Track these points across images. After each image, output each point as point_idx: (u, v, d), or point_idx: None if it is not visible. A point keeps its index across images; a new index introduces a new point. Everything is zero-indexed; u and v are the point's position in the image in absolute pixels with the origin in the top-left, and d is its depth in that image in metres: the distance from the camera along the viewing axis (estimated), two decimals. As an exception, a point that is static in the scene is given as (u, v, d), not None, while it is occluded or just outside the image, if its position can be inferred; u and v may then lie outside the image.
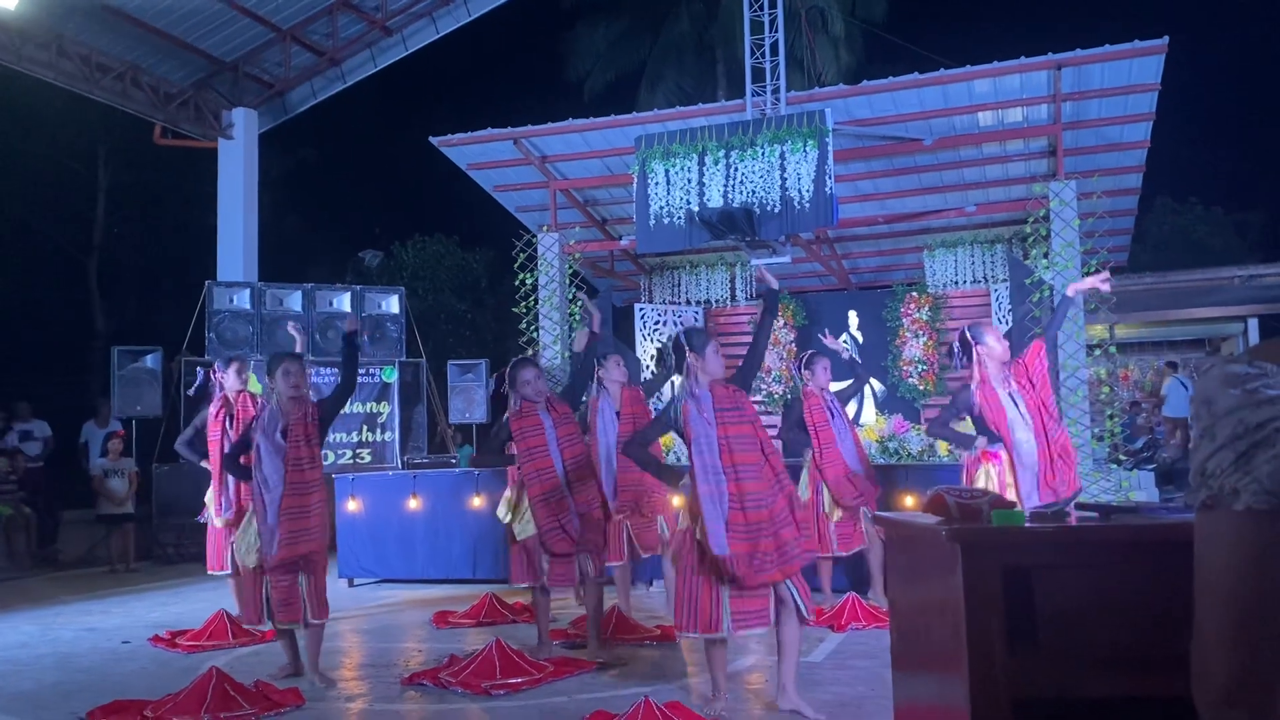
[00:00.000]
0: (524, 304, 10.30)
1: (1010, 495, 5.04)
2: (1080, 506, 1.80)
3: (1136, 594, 1.47)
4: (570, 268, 10.59)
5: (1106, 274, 5.69)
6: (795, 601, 4.23)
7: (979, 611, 1.48)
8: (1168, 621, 1.35)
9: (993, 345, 5.22)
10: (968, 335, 5.29)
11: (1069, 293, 5.58)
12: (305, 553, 5.07)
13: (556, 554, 5.43)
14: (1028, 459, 5.07)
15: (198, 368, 10.39)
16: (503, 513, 5.82)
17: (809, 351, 7.24)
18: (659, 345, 10.10)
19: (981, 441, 5.37)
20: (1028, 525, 1.67)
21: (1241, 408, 1.01)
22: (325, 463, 10.13)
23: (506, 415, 5.66)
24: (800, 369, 6.95)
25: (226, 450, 6.04)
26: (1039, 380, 5.19)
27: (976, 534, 1.58)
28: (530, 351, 10.12)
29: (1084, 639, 1.48)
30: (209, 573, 6.91)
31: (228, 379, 6.75)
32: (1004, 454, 5.21)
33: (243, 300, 10.99)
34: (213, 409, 6.80)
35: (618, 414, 6.34)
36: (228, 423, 6.63)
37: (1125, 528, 1.61)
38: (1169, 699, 1.25)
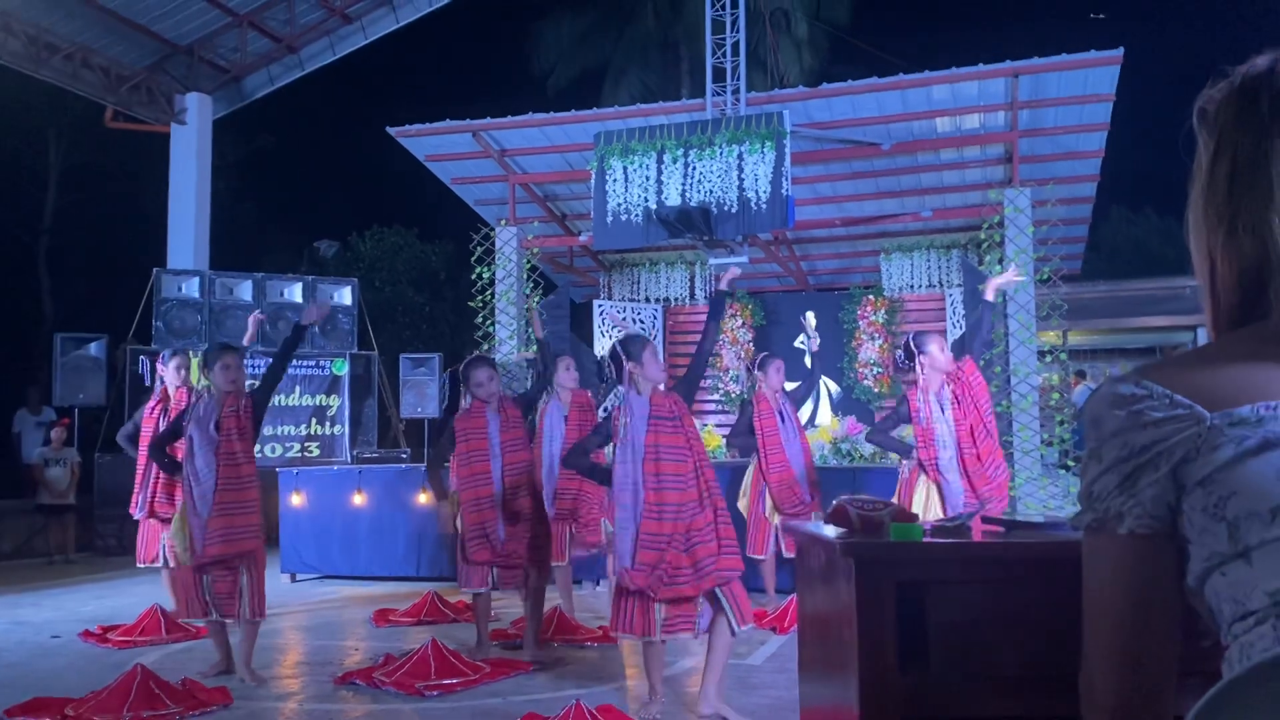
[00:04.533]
0: (481, 298, 10.21)
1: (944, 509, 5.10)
2: (987, 520, 1.77)
3: (1032, 612, 1.45)
4: (528, 262, 10.52)
5: (1015, 268, 6.05)
6: (725, 611, 4.20)
7: (871, 628, 1.45)
8: (1063, 641, 1.32)
9: (935, 355, 5.25)
10: (912, 344, 5.33)
11: (987, 296, 5.65)
12: (241, 551, 4.96)
13: (474, 561, 5.37)
14: (948, 473, 5.15)
15: (141, 357, 10.22)
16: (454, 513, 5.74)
17: (762, 354, 7.22)
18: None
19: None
20: (924, 540, 1.64)
21: (1127, 430, 0.99)
22: (273, 455, 10.12)
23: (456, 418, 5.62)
24: (753, 371, 6.92)
25: (152, 439, 5.87)
26: (980, 399, 5.27)
27: (870, 548, 1.55)
28: (486, 346, 10.04)
29: (978, 658, 1.45)
30: (138, 565, 6.76)
31: (168, 373, 6.60)
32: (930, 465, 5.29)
33: (191, 289, 10.78)
34: (150, 404, 6.64)
35: (565, 419, 6.30)
36: (162, 419, 6.45)
37: (1021, 544, 1.58)
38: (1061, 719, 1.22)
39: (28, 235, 19.27)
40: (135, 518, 6.58)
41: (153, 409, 6.56)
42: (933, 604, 1.44)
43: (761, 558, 6.65)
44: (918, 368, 5.29)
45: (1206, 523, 0.94)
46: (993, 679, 1.43)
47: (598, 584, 7.80)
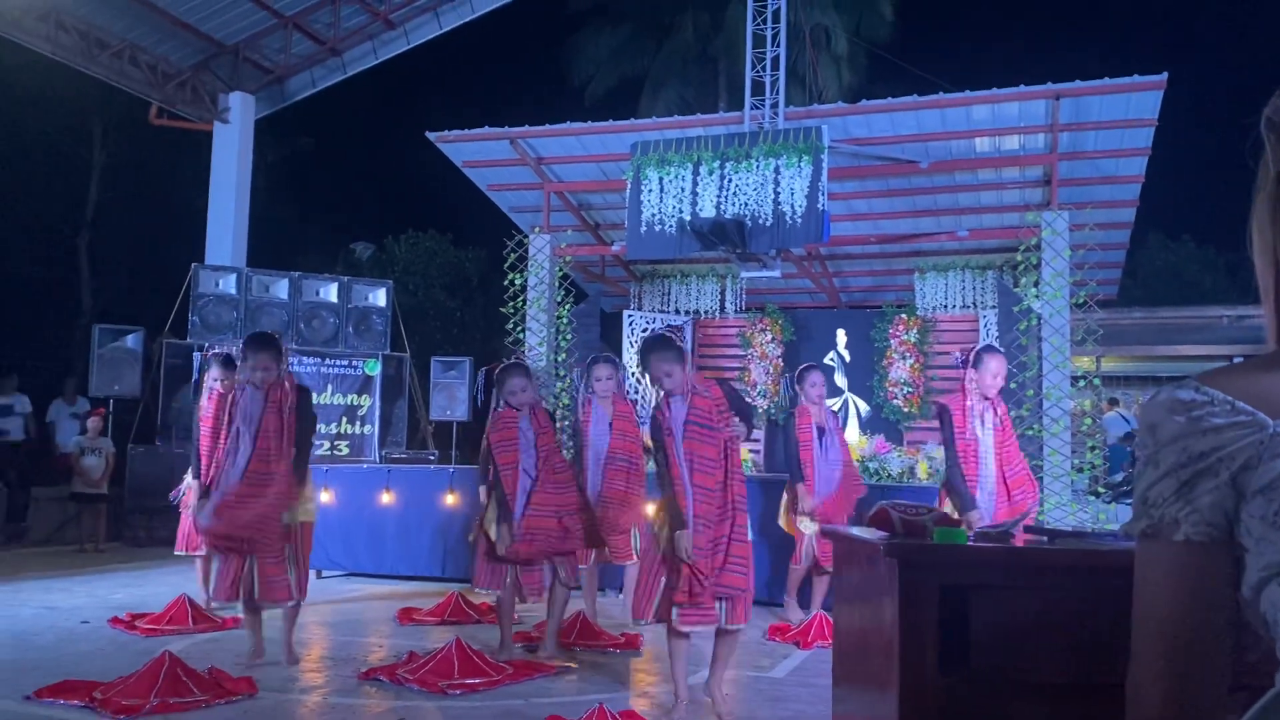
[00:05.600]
0: (512, 304, 10.26)
1: None
2: (1028, 530, 1.76)
3: (1074, 620, 1.44)
4: (560, 270, 10.56)
5: None
6: (717, 609, 4.28)
7: (913, 629, 1.44)
8: (1104, 649, 1.31)
9: (985, 376, 5.17)
10: (972, 355, 5.24)
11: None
12: (247, 537, 5.02)
13: (495, 559, 5.42)
14: (986, 485, 5.10)
15: (193, 343, 10.34)
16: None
17: (802, 365, 7.13)
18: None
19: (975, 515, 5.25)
20: (969, 544, 1.63)
21: (1186, 435, 0.98)
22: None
23: (488, 427, 5.62)
24: (792, 384, 6.85)
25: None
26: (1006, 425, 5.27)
27: (915, 550, 1.54)
28: (514, 357, 10.07)
29: (1019, 663, 1.44)
30: (175, 553, 6.84)
31: (211, 373, 6.64)
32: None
33: (228, 285, 10.92)
34: (217, 389, 6.62)
35: (610, 425, 6.19)
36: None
37: (1067, 552, 1.56)
38: (1103, 730, 1.21)
39: (69, 228, 19.56)
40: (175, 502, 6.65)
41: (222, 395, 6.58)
42: (975, 607, 1.43)
43: (797, 566, 6.61)
44: (967, 380, 5.23)
45: (1265, 531, 0.93)
46: (1033, 684, 1.42)
47: (621, 592, 7.79)
